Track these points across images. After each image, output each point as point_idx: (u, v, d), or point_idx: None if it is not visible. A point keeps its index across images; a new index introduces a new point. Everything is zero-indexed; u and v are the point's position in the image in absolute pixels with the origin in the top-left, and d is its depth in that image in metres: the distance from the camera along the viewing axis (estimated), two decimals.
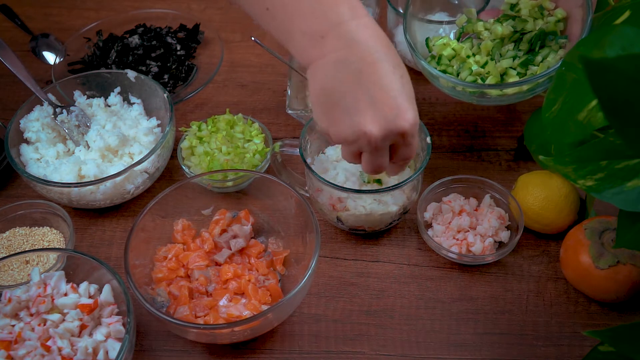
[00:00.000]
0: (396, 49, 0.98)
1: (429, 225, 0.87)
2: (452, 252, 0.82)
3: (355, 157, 0.72)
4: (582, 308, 0.81)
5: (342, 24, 0.66)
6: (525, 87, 0.79)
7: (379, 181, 0.84)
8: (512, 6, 0.85)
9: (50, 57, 1.12)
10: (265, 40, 0.98)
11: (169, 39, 1.10)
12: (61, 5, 1.23)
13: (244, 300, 0.78)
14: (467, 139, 0.99)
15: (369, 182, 0.83)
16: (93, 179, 0.87)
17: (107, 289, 0.76)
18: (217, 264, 0.83)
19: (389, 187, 0.82)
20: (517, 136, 0.98)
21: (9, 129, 0.91)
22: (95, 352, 0.72)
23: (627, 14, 0.69)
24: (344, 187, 0.82)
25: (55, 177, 0.87)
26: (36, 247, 0.85)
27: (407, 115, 0.66)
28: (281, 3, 0.69)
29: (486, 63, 0.83)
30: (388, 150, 0.70)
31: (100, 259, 0.76)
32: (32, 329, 0.73)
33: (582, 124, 0.65)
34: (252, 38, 0.95)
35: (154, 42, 1.09)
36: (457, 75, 0.85)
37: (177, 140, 0.95)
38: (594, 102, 0.65)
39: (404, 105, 0.66)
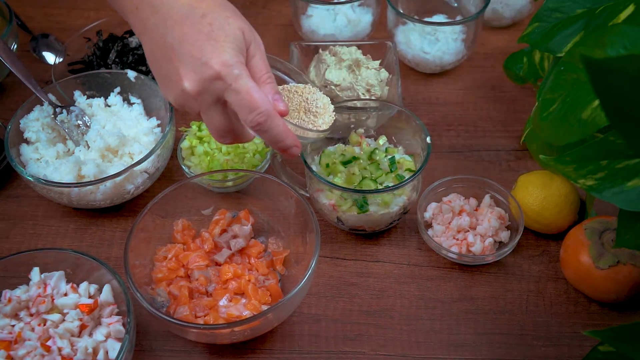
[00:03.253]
0: (395, 50, 0.99)
1: (429, 225, 0.87)
2: (452, 252, 0.82)
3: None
4: (582, 308, 0.81)
5: None
6: None
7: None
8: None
9: (50, 57, 1.12)
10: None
11: None
12: (61, 5, 1.23)
13: (244, 300, 0.78)
14: (467, 139, 0.99)
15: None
16: (93, 179, 0.86)
17: (107, 289, 0.76)
18: (217, 264, 0.83)
19: (389, 187, 0.82)
20: (517, 136, 0.98)
21: (9, 129, 0.91)
22: (95, 352, 0.72)
23: (630, 8, 0.68)
24: (344, 187, 0.82)
25: (55, 177, 0.87)
26: None
27: (215, 57, 0.64)
28: None
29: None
30: (219, 107, 0.67)
31: (100, 259, 0.76)
32: (32, 329, 0.73)
33: (587, 123, 0.65)
34: None
35: None
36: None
37: (177, 140, 0.95)
38: (598, 101, 0.64)
39: (210, 49, 0.64)
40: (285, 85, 0.76)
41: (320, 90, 0.75)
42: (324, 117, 0.73)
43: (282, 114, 0.67)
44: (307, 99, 0.74)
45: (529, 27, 0.79)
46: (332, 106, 0.74)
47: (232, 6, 0.69)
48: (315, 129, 0.71)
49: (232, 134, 0.70)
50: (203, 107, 0.67)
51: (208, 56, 0.64)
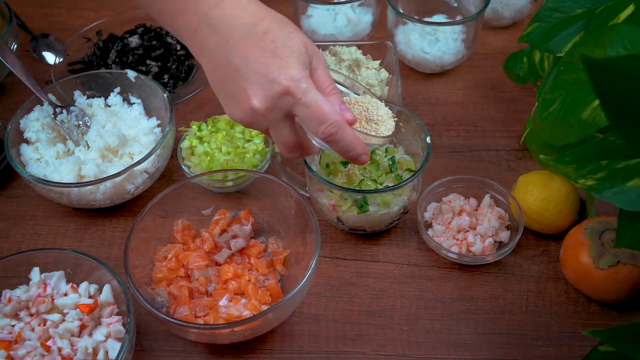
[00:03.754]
0: (395, 50, 0.99)
1: (429, 225, 0.87)
2: (452, 252, 0.82)
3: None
4: (582, 308, 0.81)
5: (209, 13, 0.66)
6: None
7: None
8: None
9: (50, 57, 1.12)
10: None
11: (169, 39, 1.10)
12: (61, 5, 1.23)
13: (244, 300, 0.78)
14: (467, 139, 0.99)
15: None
16: (93, 179, 0.86)
17: (107, 289, 0.76)
18: (217, 264, 0.83)
19: (389, 187, 0.82)
20: (517, 136, 0.98)
21: (9, 129, 0.91)
22: (95, 352, 0.72)
23: (630, 8, 0.68)
24: (344, 187, 0.82)
25: (55, 177, 0.87)
26: None
27: (283, 73, 0.64)
28: (163, 7, 0.70)
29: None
30: (288, 122, 0.67)
31: (100, 259, 0.76)
32: (32, 329, 0.73)
33: (587, 122, 0.65)
34: None
35: (154, 42, 1.09)
36: None
37: (177, 140, 0.95)
38: (598, 101, 0.64)
39: (276, 65, 0.65)
40: (346, 97, 0.77)
41: (381, 100, 0.77)
42: (386, 124, 0.75)
43: (351, 123, 0.68)
44: (367, 108, 0.76)
45: (529, 27, 0.79)
46: (391, 112, 0.76)
47: (291, 22, 0.69)
48: (379, 135, 0.73)
49: (299, 148, 0.70)
50: (272, 123, 0.67)
51: (275, 73, 0.64)
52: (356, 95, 0.78)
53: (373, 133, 0.73)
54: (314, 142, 0.71)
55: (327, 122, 0.65)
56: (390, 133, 0.74)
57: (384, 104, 0.76)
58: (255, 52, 0.65)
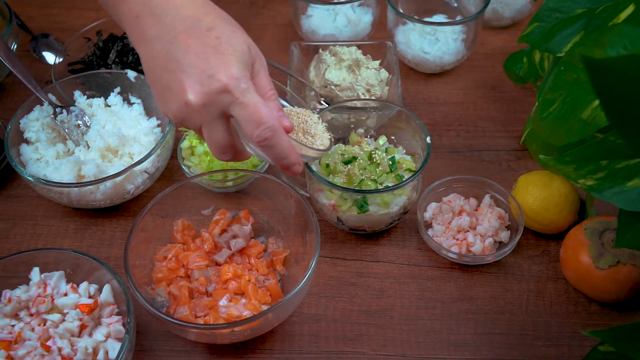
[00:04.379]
0: (395, 49, 0.99)
1: (429, 225, 0.87)
2: (452, 252, 0.82)
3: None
4: (582, 308, 0.81)
5: (152, 0, 0.65)
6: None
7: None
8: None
9: (50, 57, 1.12)
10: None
11: None
12: (61, 5, 1.23)
13: (244, 300, 0.78)
14: (467, 139, 0.99)
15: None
16: (93, 179, 0.86)
17: (107, 289, 0.76)
18: (217, 264, 0.83)
19: (389, 187, 0.82)
20: (517, 136, 0.98)
21: (9, 129, 0.91)
22: (95, 352, 0.72)
23: (630, 8, 0.68)
24: (344, 187, 0.82)
25: (55, 177, 0.87)
26: None
27: (223, 71, 0.63)
28: None
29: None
30: (222, 122, 0.66)
31: (100, 259, 0.76)
32: (32, 329, 0.73)
33: (587, 122, 0.65)
34: None
35: None
36: None
37: (177, 140, 0.95)
38: (598, 101, 0.64)
39: (217, 62, 0.63)
40: (285, 107, 0.77)
41: (318, 116, 0.76)
42: (322, 139, 0.74)
43: (287, 131, 0.66)
44: (305, 121, 0.75)
45: (529, 27, 0.79)
46: (328, 133, 0.75)
47: (235, 22, 0.68)
48: (314, 147, 0.72)
49: (232, 150, 0.68)
50: (206, 120, 0.65)
51: (215, 69, 0.63)
52: (296, 108, 0.78)
53: (309, 144, 0.72)
54: (247, 147, 0.69)
55: (263, 126, 0.64)
56: (325, 148, 0.73)
57: (321, 120, 0.76)
58: (197, 46, 0.63)
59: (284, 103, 0.80)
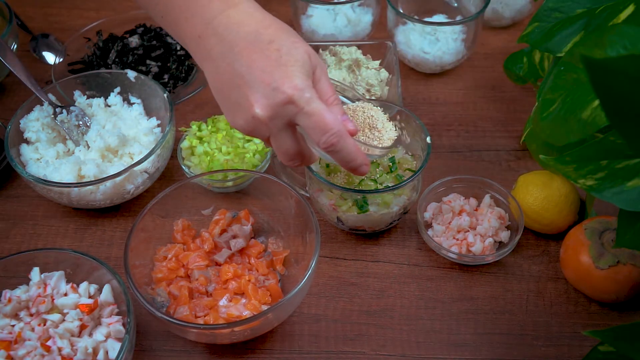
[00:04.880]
0: (396, 50, 0.99)
1: (429, 225, 0.87)
2: (452, 252, 0.82)
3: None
4: (582, 308, 0.81)
5: (214, 19, 0.67)
6: None
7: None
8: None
9: (50, 57, 1.12)
10: None
11: (169, 39, 1.10)
12: (61, 5, 1.23)
13: (244, 300, 0.78)
14: (467, 139, 0.99)
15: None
16: (93, 179, 0.86)
17: (107, 289, 0.76)
18: (217, 264, 0.83)
19: (389, 187, 0.82)
20: (517, 136, 0.98)
21: (9, 129, 0.91)
22: (95, 352, 0.72)
23: (631, 8, 0.68)
24: (344, 187, 0.82)
25: (55, 177, 0.87)
26: None
27: (287, 82, 0.64)
28: (167, 11, 0.70)
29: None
30: (289, 131, 0.67)
31: (100, 259, 0.76)
32: (32, 329, 0.73)
33: (587, 122, 0.65)
34: None
35: (154, 42, 1.09)
36: None
37: (177, 140, 0.95)
38: (598, 101, 0.64)
39: (280, 74, 0.64)
40: (348, 105, 0.77)
41: (380, 108, 0.77)
42: (388, 131, 0.75)
43: (352, 134, 0.68)
44: (371, 115, 0.76)
45: (528, 27, 0.79)
46: (392, 123, 0.76)
47: (295, 31, 0.69)
48: (380, 145, 0.73)
49: (300, 156, 0.70)
50: (273, 131, 0.67)
51: (279, 81, 0.64)
52: (357, 103, 0.78)
53: (375, 142, 0.73)
54: (314, 151, 0.71)
55: (329, 133, 0.65)
56: (391, 143, 0.74)
57: (383, 112, 0.77)
58: (259, 60, 0.65)
59: (345, 100, 0.80)
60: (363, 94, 0.93)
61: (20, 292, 0.76)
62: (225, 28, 0.66)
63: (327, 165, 0.86)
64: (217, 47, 0.67)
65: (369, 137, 0.74)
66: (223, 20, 0.67)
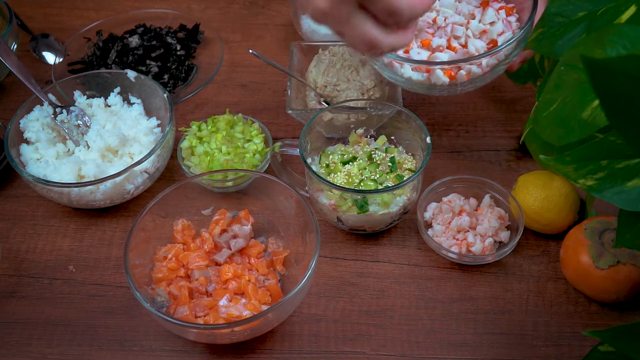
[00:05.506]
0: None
1: (429, 225, 0.87)
2: (452, 252, 0.82)
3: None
4: (582, 308, 0.81)
5: None
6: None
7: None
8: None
9: (50, 57, 1.12)
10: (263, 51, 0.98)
11: (169, 39, 1.10)
12: (61, 5, 1.23)
13: (244, 300, 0.78)
14: (467, 139, 0.99)
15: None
16: (93, 179, 0.86)
17: None
18: (217, 264, 0.83)
19: (389, 187, 0.82)
20: (517, 136, 0.98)
21: (9, 129, 0.91)
22: None
23: (632, 9, 0.68)
24: (344, 187, 0.82)
25: (55, 177, 0.87)
26: None
27: None
28: None
29: None
30: (361, 17, 0.62)
31: None
32: None
33: (587, 122, 0.65)
34: (250, 51, 0.95)
35: (154, 42, 1.09)
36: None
37: (177, 140, 0.95)
38: (598, 101, 0.64)
39: None
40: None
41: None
42: None
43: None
44: None
45: (534, 32, 0.79)
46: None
47: None
48: None
49: (378, 42, 0.64)
50: (342, 20, 0.62)
51: None
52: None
53: None
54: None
55: (394, 5, 0.61)
56: None
57: None
58: None
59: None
60: (363, 93, 0.93)
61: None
62: None
63: (327, 165, 0.86)
64: None
65: None
66: None
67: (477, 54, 0.82)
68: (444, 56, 0.82)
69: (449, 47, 0.83)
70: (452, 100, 1.04)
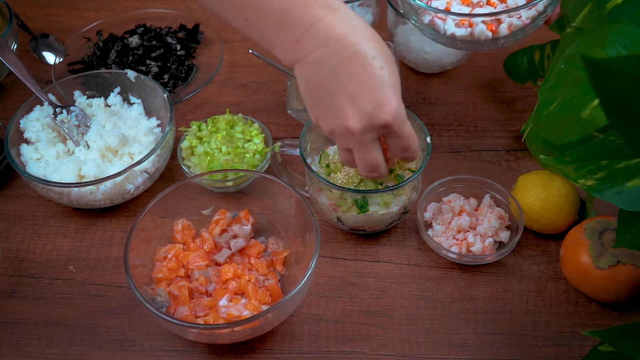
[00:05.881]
0: (396, 50, 0.99)
1: (429, 225, 0.87)
2: (452, 252, 0.82)
3: (350, 156, 0.73)
4: (582, 308, 0.81)
5: (315, 24, 0.66)
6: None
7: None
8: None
9: (50, 57, 1.12)
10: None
11: (169, 39, 1.10)
12: (61, 5, 1.23)
13: (244, 300, 0.78)
14: (467, 139, 0.99)
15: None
16: (93, 179, 0.86)
17: None
18: (217, 264, 0.83)
19: (389, 187, 0.82)
20: (517, 136, 0.98)
21: (9, 129, 0.91)
22: None
23: None
24: (344, 187, 0.82)
25: (55, 177, 0.87)
26: None
27: (387, 106, 0.66)
28: (256, 14, 0.69)
29: None
30: (378, 145, 0.71)
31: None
32: None
33: (586, 122, 0.65)
34: (250, 51, 0.95)
35: (154, 42, 1.09)
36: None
37: (177, 140, 0.95)
38: (598, 100, 0.64)
39: (383, 95, 0.66)
40: None
41: None
42: None
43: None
44: None
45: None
46: None
47: (385, 44, 0.69)
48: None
49: (379, 168, 0.73)
50: (360, 144, 0.70)
51: (381, 102, 0.66)
52: None
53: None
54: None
55: (410, 150, 0.72)
56: None
57: None
58: (362, 75, 0.66)
59: None
60: None
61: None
62: (326, 36, 0.66)
63: (327, 165, 0.86)
64: (317, 51, 0.67)
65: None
66: (324, 27, 0.66)
67: (515, 6, 0.82)
68: (484, 11, 0.82)
69: (488, 3, 0.83)
70: (452, 100, 1.04)
